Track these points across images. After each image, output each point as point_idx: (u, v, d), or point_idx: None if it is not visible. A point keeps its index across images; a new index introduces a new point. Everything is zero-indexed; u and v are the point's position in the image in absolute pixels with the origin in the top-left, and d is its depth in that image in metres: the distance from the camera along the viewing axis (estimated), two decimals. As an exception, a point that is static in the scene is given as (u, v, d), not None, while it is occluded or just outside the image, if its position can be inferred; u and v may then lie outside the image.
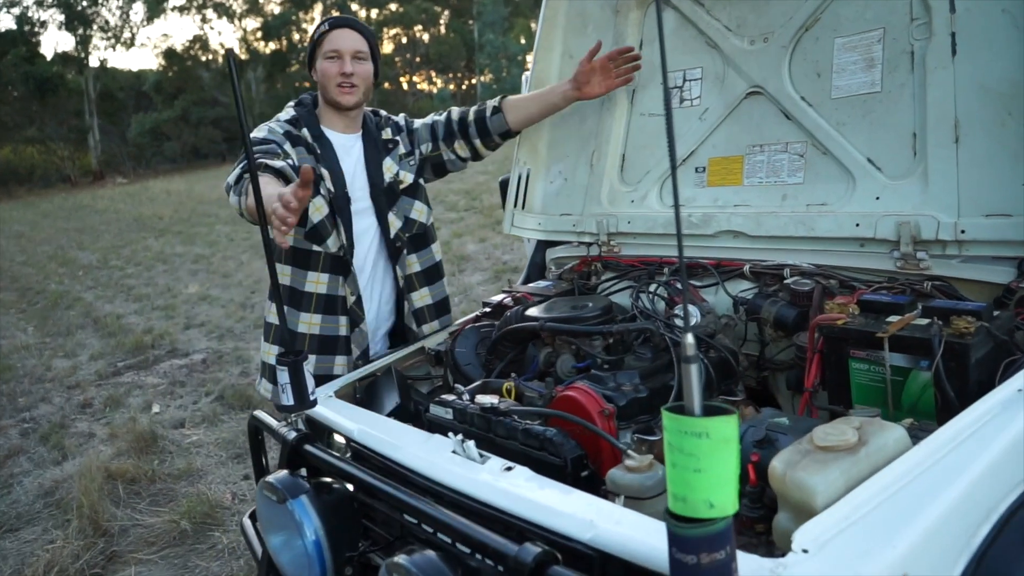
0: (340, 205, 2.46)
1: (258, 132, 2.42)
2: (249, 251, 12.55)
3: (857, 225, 1.96)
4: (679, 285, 2.23)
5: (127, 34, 54.46)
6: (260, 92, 56.92)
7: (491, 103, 2.66)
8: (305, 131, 2.48)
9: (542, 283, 2.66)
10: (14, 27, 49.09)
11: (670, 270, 2.33)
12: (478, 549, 1.40)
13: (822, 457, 1.32)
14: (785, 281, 2.05)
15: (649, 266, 2.43)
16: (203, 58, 60.85)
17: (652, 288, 2.26)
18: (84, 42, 51.77)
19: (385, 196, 2.58)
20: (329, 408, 2.12)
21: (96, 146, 50.76)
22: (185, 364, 6.55)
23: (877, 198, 1.97)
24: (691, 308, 2.10)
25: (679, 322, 2.08)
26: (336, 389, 2.27)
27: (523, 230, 2.77)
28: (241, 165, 2.25)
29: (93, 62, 52.91)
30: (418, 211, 2.66)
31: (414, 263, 2.67)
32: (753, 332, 2.13)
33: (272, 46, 59.75)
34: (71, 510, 3.94)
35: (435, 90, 62.36)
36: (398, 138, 2.67)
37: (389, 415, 2.16)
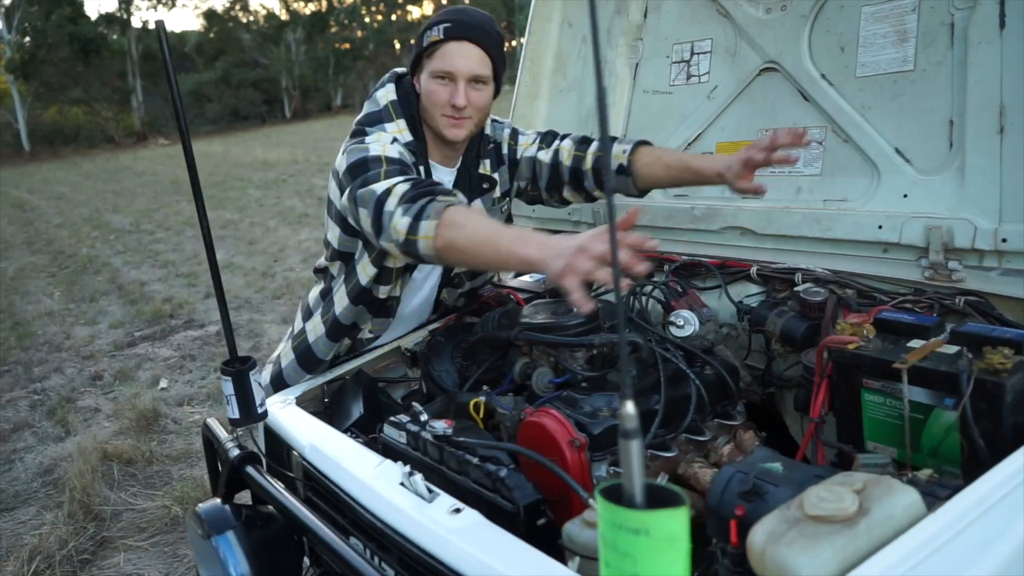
0: None
1: (387, 151, 1.85)
2: (277, 217, 12.48)
3: (880, 227, 1.69)
4: (678, 288, 1.98)
5: (169, -6, 54.56)
6: (300, 54, 56.91)
7: (620, 151, 2.01)
8: (421, 169, 1.98)
9: (534, 277, 2.43)
10: (59, -12, 49.46)
11: (670, 268, 2.08)
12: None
13: (812, 530, 1.08)
14: (796, 288, 1.79)
15: (649, 262, 2.18)
16: (243, 19, 60.93)
17: (648, 290, 2.01)
18: (127, 3, 52.04)
19: None
20: (286, 418, 1.94)
21: (139, 107, 51.36)
22: (200, 336, 6.46)
23: (905, 196, 1.70)
24: (688, 315, 1.85)
25: (675, 331, 1.84)
26: (299, 395, 2.08)
27: (518, 217, 2.53)
28: (412, 186, 1.72)
29: (135, 23, 53.27)
30: None
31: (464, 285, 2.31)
32: (759, 343, 1.89)
33: (312, 7, 59.56)
34: (65, 492, 3.85)
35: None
36: (496, 175, 2.15)
37: (352, 426, 1.97)
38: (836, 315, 1.68)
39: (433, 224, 1.61)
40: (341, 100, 57.14)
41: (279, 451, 1.93)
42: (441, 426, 1.56)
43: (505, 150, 2.16)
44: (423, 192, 1.68)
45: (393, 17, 64.91)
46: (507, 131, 2.18)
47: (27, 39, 47.60)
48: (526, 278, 2.40)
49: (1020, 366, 1.31)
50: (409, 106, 1.97)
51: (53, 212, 17.21)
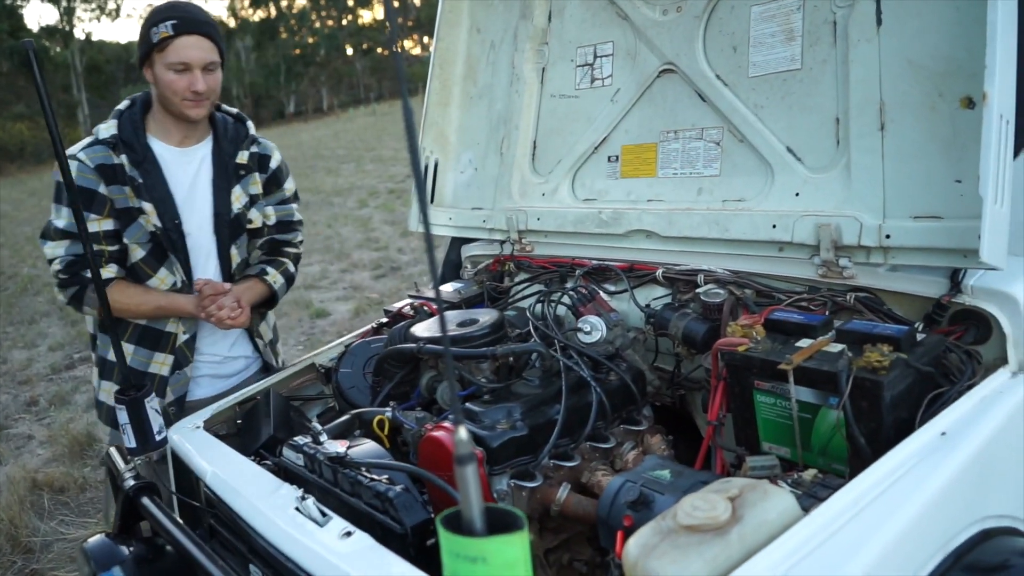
0: (172, 239, 2.19)
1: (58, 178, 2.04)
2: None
3: (774, 226, 1.70)
4: (586, 291, 1.96)
5: (112, 4, 53.51)
6: (250, 62, 56.20)
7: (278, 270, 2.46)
8: (124, 158, 2.13)
9: (453, 285, 2.40)
10: (-4, 1, 48.24)
11: (579, 273, 2.07)
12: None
13: (684, 541, 1.07)
14: (697, 290, 1.79)
15: (560, 268, 2.17)
16: (191, 28, 59.96)
17: (556, 296, 1.99)
18: (68, 14, 50.94)
19: (229, 228, 2.29)
20: (192, 444, 1.88)
21: (85, 120, 50.22)
22: (141, 355, 6.32)
23: (796, 194, 1.70)
24: (595, 321, 1.84)
25: (583, 336, 1.83)
26: (208, 418, 2.03)
27: (433, 226, 2.50)
28: (66, 262, 2.14)
29: (78, 35, 52.14)
30: (245, 249, 2.39)
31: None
32: (667, 345, 1.88)
33: (260, 14, 58.89)
34: (-8, 524, 3.73)
35: (427, 55, 61.49)
36: (257, 175, 2.37)
37: (262, 448, 1.92)
38: (736, 315, 1.69)
39: (90, 309, 2.19)
40: (294, 107, 56.52)
41: (187, 478, 1.88)
42: (336, 447, 1.52)
43: (272, 164, 2.41)
44: (74, 281, 2.13)
45: (344, 22, 64.41)
46: (277, 153, 2.44)
47: (-39, 54, 46.35)
48: (445, 287, 2.38)
49: (897, 363, 1.31)
50: (131, 108, 2.21)
51: (-5, 231, 16.73)
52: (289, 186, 2.47)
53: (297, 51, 59.65)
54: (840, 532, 1.12)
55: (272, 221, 2.42)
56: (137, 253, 2.16)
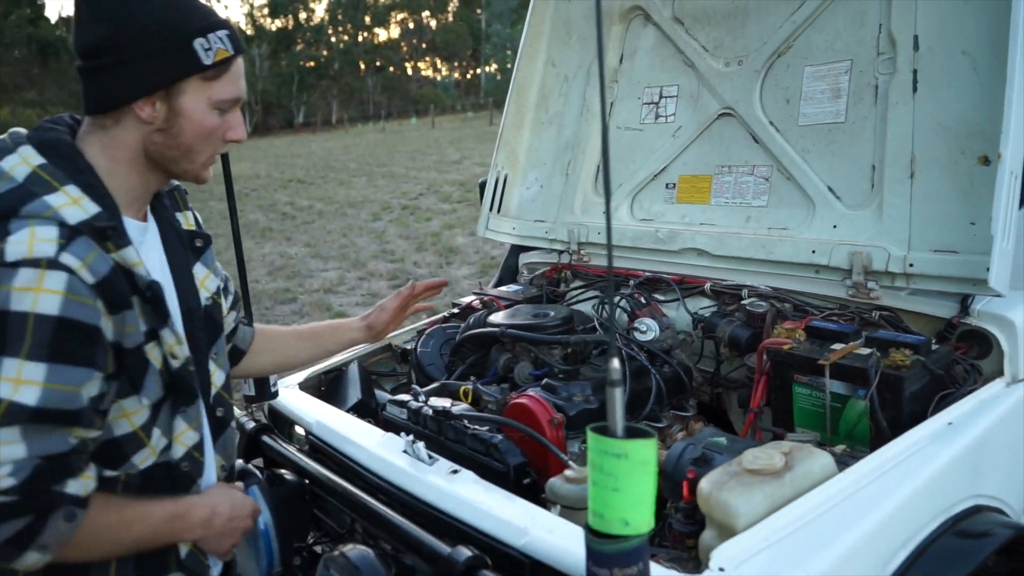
0: (190, 382, 1.32)
1: (37, 306, 1.08)
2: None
3: (813, 252, 2.01)
4: (642, 299, 2.27)
5: None
6: (264, 69, 56.83)
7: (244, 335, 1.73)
8: (129, 254, 1.20)
9: (512, 287, 2.71)
10: (19, -11, 48.84)
11: (635, 283, 2.38)
12: (413, 549, 1.45)
13: (748, 480, 1.37)
14: (742, 302, 2.10)
15: (616, 278, 2.48)
16: (208, 30, 60.68)
17: (616, 300, 2.30)
18: (89, 8, 51.52)
19: (204, 330, 1.42)
20: (292, 400, 2.17)
21: (95, 112, 50.61)
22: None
23: (834, 226, 2.02)
24: (650, 322, 2.15)
25: (639, 336, 2.14)
26: (301, 380, 2.32)
27: (497, 234, 2.81)
28: (31, 471, 1.08)
29: (97, 29, 52.68)
30: (227, 363, 1.52)
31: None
32: (710, 349, 2.19)
33: (278, 24, 59.63)
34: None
35: (439, 77, 62.34)
36: (207, 235, 1.51)
37: (350, 410, 2.21)
38: (775, 324, 1.99)
39: (51, 553, 1.13)
40: (303, 118, 57.13)
41: (281, 428, 2.17)
42: (441, 403, 1.82)
43: (199, 218, 1.54)
44: (35, 504, 1.09)
45: (360, 38, 65.23)
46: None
47: (-20, 38, 46.84)
48: (504, 288, 2.68)
49: (917, 364, 1.63)
50: (71, 162, 1.21)
51: None
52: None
53: (311, 63, 60.42)
54: (867, 487, 1.42)
55: (231, 323, 1.66)
56: (139, 417, 1.25)
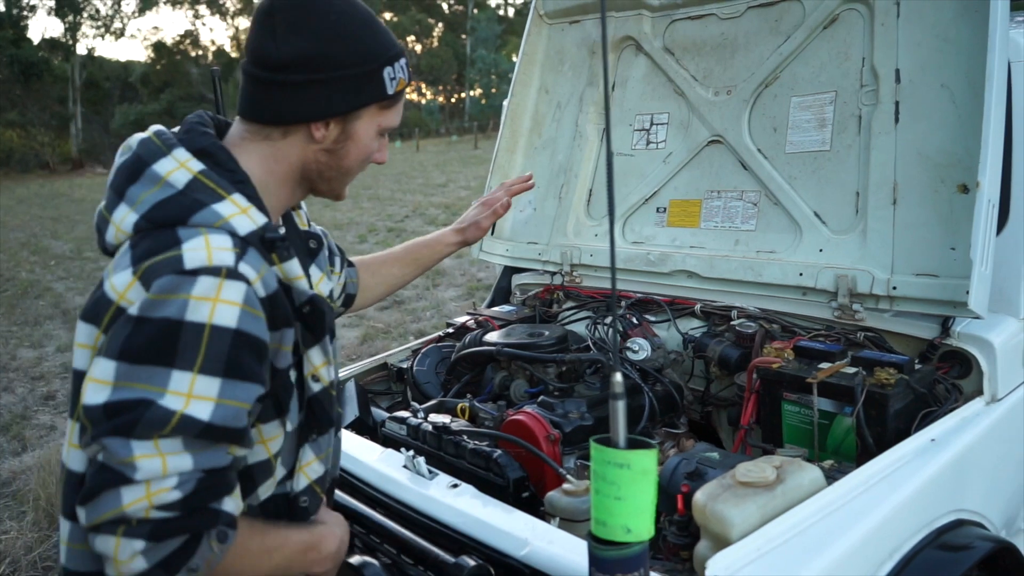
0: (330, 407, 1.31)
1: (215, 317, 1.05)
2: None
3: (800, 274, 2.08)
4: (634, 319, 2.33)
5: (117, 24, 54.20)
6: (248, 92, 56.85)
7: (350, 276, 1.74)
8: (293, 267, 1.20)
9: (505, 308, 2.76)
10: (2, 9, 48.72)
11: (627, 304, 2.44)
12: (418, 559, 1.49)
13: (741, 492, 1.42)
14: (732, 322, 2.17)
15: (607, 298, 2.54)
16: (192, 53, 60.79)
17: (607, 320, 2.36)
18: (73, 29, 51.46)
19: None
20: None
21: (77, 134, 50.39)
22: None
23: (820, 250, 2.10)
24: (642, 342, 2.21)
25: (631, 355, 2.19)
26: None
27: (490, 255, 2.87)
28: (194, 484, 1.05)
29: (80, 50, 52.65)
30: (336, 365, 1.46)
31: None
32: (700, 368, 2.24)
33: (263, 46, 59.74)
34: (27, 502, 3.95)
35: (424, 101, 62.70)
36: (319, 233, 1.52)
37: (348, 427, 2.24)
38: (764, 344, 2.05)
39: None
40: (287, 140, 57.04)
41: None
42: (441, 419, 1.86)
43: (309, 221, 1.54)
44: (191, 524, 1.04)
45: (344, 62, 65.39)
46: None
47: (-40, 58, 46.65)
48: (497, 309, 2.73)
49: (901, 382, 1.69)
50: (228, 170, 1.19)
51: (-14, 235, 16.85)
52: None
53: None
54: (854, 500, 1.48)
55: (343, 280, 1.70)
56: (275, 444, 1.22)
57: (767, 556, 1.32)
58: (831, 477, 1.57)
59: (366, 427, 2.23)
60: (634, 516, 1.10)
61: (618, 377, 1.14)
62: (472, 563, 1.38)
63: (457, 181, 20.36)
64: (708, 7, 2.39)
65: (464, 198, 16.80)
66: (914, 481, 1.54)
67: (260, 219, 1.16)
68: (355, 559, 1.49)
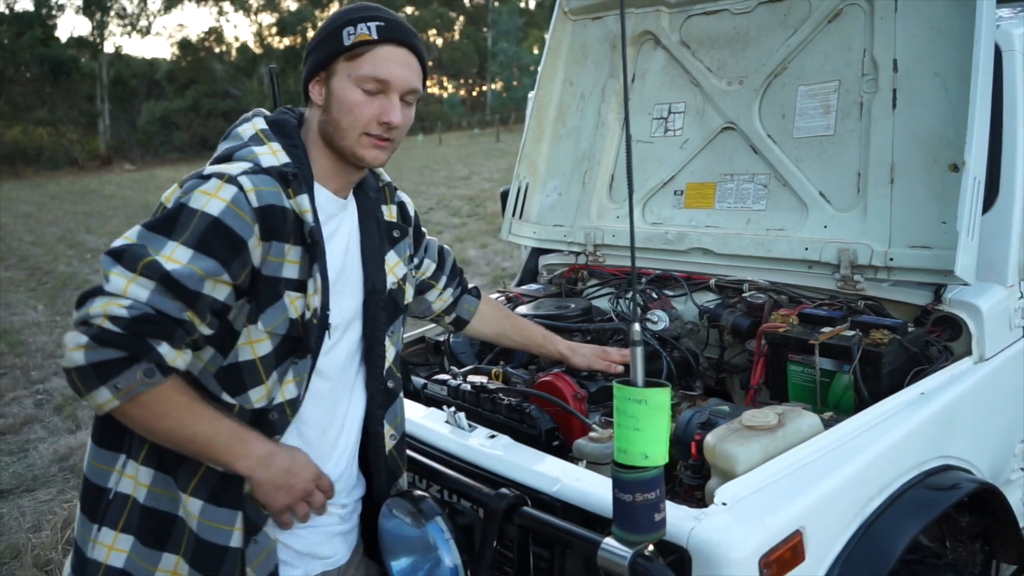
0: (310, 336, 1.47)
1: (206, 206, 1.33)
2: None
3: (806, 249, 2.27)
4: (653, 294, 2.53)
5: (143, 22, 54.93)
6: (271, 88, 57.46)
7: (471, 304, 2.08)
8: (303, 200, 1.43)
9: (533, 286, 2.96)
10: (32, 9, 49.55)
11: (647, 279, 2.63)
12: (463, 494, 1.70)
13: (747, 434, 1.62)
14: (743, 294, 2.35)
15: (628, 275, 2.73)
16: (217, 50, 61.41)
17: (629, 295, 2.56)
18: (100, 27, 52.26)
19: (386, 310, 1.66)
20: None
21: (105, 131, 51.21)
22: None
23: (825, 227, 2.28)
24: (661, 313, 2.41)
25: (651, 326, 2.39)
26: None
27: (519, 237, 3.07)
28: (140, 313, 1.26)
29: (108, 48, 53.41)
30: (401, 342, 1.80)
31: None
32: (714, 338, 2.43)
33: (286, 42, 60.27)
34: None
35: (445, 95, 62.94)
36: (407, 227, 1.78)
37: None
38: (772, 313, 2.24)
39: (117, 399, 1.26)
40: (310, 135, 57.60)
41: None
42: (479, 379, 2.07)
43: (411, 212, 1.84)
44: (130, 343, 1.25)
45: (366, 57, 65.74)
46: (407, 196, 1.86)
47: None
48: (529, 287, 2.94)
49: (894, 342, 1.88)
50: (286, 134, 1.50)
51: (23, 230, 17.29)
52: (422, 227, 1.95)
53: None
54: (848, 442, 1.66)
55: (448, 300, 2.02)
56: (261, 348, 1.42)
57: (768, 487, 1.51)
58: (829, 425, 1.76)
59: (408, 392, 2.44)
60: (651, 444, 1.30)
61: (636, 327, 1.34)
62: (511, 494, 1.58)
63: (480, 173, 20.58)
64: (722, 3, 2.57)
65: (487, 190, 16.99)
66: (903, 428, 1.73)
67: (283, 159, 1.44)
68: (413, 493, 1.69)
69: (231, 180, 1.36)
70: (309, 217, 1.42)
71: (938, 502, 1.71)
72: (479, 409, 2.04)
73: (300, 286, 1.44)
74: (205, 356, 1.41)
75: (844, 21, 2.29)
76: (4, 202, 25.18)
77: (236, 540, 1.43)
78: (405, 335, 2.13)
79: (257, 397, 1.44)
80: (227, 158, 1.44)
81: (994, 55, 1.99)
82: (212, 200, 1.34)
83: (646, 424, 1.31)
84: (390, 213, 1.71)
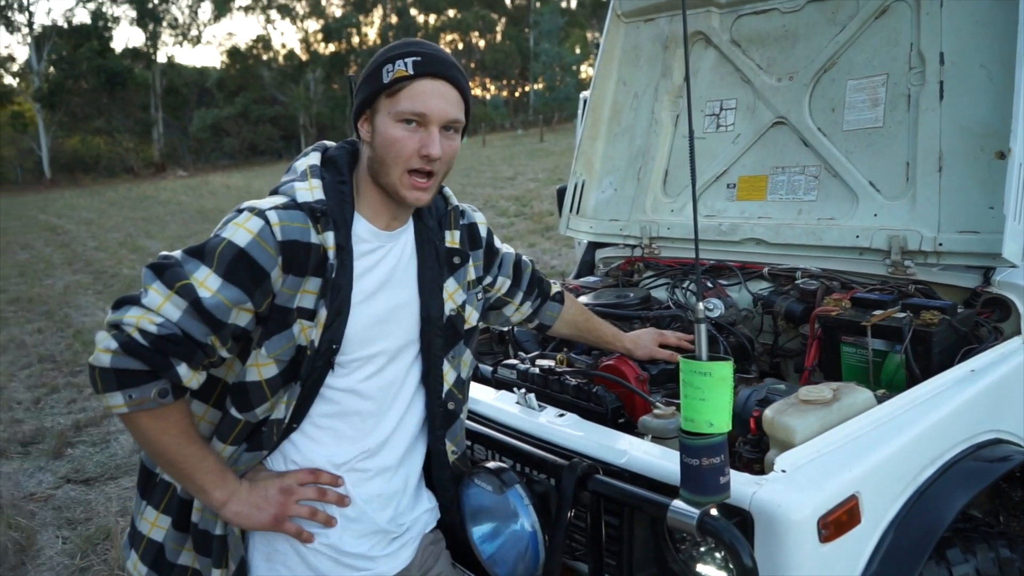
0: (303, 364, 1.52)
1: (234, 236, 1.43)
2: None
3: (857, 237, 2.37)
4: (708, 283, 2.64)
5: (194, 32, 56.27)
6: (318, 93, 58.37)
7: (555, 287, 2.15)
8: (328, 238, 1.49)
9: (591, 279, 3.09)
10: (88, 22, 51.07)
11: (702, 269, 2.75)
12: (538, 465, 1.84)
13: (804, 408, 1.73)
14: (796, 282, 2.46)
15: (683, 266, 2.85)
16: (264, 57, 62.56)
17: (685, 284, 2.68)
18: (153, 38, 53.67)
19: (443, 336, 1.72)
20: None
21: (159, 139, 52.60)
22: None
23: (875, 215, 2.38)
24: (716, 301, 2.52)
25: (708, 313, 2.50)
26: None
27: (577, 232, 3.21)
28: (168, 333, 1.36)
29: (160, 58, 54.79)
30: (467, 365, 1.83)
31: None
32: (768, 325, 2.54)
33: (332, 48, 61.15)
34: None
35: (488, 96, 63.27)
36: (470, 252, 1.80)
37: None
38: (825, 298, 2.34)
39: (127, 407, 1.37)
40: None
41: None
42: (547, 362, 2.22)
43: (483, 233, 1.86)
44: (152, 359, 1.35)
45: (410, 60, 66.33)
46: (480, 215, 1.88)
47: (51, 69, 49.08)
48: (587, 279, 3.07)
49: (944, 322, 1.97)
50: (337, 169, 1.60)
51: (86, 236, 17.95)
52: (498, 243, 1.96)
53: (364, 84, 61.72)
54: (899, 416, 1.76)
55: (527, 312, 2.10)
56: (267, 371, 1.51)
57: (825, 456, 1.63)
58: (881, 401, 1.86)
59: (475, 378, 2.59)
60: (715, 413, 1.43)
61: (700, 305, 1.47)
62: (584, 463, 1.72)
63: (525, 174, 20.74)
64: (771, 2, 2.68)
65: (532, 190, 17.15)
66: (954, 402, 1.82)
67: (318, 195, 1.52)
68: (492, 464, 1.84)
69: (260, 214, 1.45)
70: (331, 254, 1.49)
71: (988, 472, 1.80)
72: (547, 390, 2.18)
73: (312, 315, 1.51)
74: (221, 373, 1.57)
75: (891, 17, 2.39)
76: (66, 209, 26.13)
77: (219, 528, 1.58)
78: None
79: (263, 411, 1.54)
80: (275, 191, 1.55)
81: (1038, 46, 2.07)
82: (240, 231, 1.43)
83: (711, 394, 1.43)
84: (452, 239, 1.74)
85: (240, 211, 1.48)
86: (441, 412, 1.75)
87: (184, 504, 1.61)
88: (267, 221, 1.44)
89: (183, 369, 1.39)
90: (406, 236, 1.67)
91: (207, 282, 1.40)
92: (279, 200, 1.50)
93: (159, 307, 1.37)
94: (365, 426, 1.65)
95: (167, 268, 1.40)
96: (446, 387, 1.75)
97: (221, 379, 1.58)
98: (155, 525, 1.64)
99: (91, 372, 1.37)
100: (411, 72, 1.51)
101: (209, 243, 1.44)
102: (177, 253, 1.45)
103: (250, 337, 1.51)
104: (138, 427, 1.42)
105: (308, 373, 1.53)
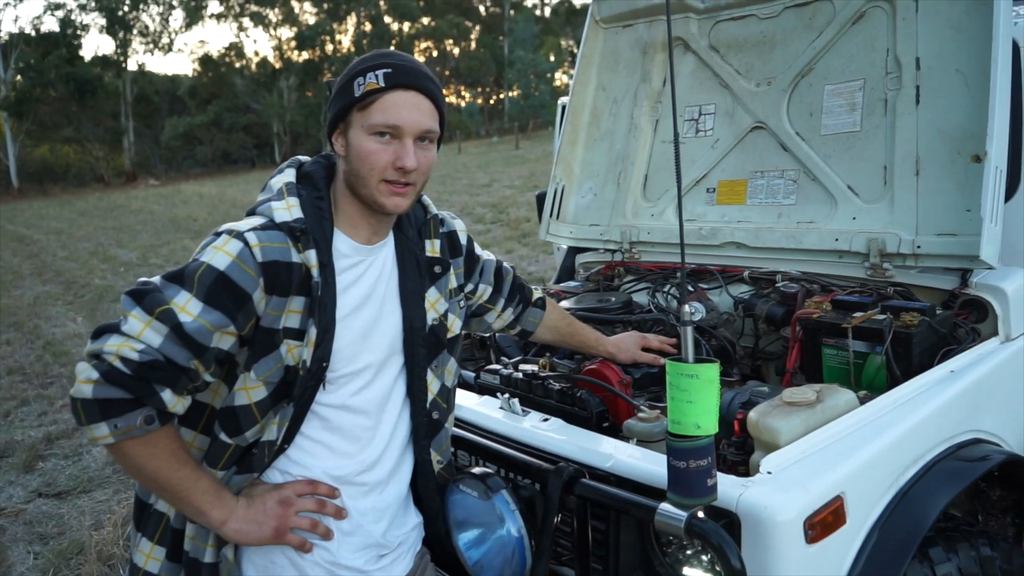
0: (295, 385, 1.51)
1: (213, 259, 1.42)
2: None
3: (836, 240, 2.39)
4: (690, 287, 2.65)
5: (165, 39, 55.77)
6: (291, 101, 58.07)
7: (536, 293, 2.15)
8: (310, 256, 1.48)
9: (571, 283, 3.09)
10: (57, 29, 50.43)
11: (683, 273, 2.76)
12: (523, 471, 1.83)
13: (787, 409, 1.73)
14: (776, 285, 2.47)
15: (664, 270, 2.86)
16: (237, 65, 62.14)
17: (666, 288, 2.69)
18: (123, 46, 53.10)
19: (426, 346, 1.70)
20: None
21: (130, 148, 51.99)
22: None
23: (854, 218, 2.40)
24: (697, 305, 2.53)
25: (687, 317, 2.51)
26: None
27: (557, 237, 3.20)
28: (150, 360, 1.34)
29: (131, 66, 54.21)
30: (451, 374, 1.82)
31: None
32: (749, 328, 2.55)
33: (305, 55, 60.87)
34: (140, 475, 4.39)
35: (463, 104, 63.33)
36: (451, 260, 1.80)
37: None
38: (805, 301, 2.36)
39: (113, 437, 1.34)
40: (331, 148, 58.11)
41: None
42: (530, 367, 2.21)
43: (463, 240, 1.85)
44: (135, 386, 1.33)
45: (384, 68, 66.24)
46: (460, 223, 1.87)
47: (19, 77, 48.39)
48: (568, 284, 3.07)
49: (923, 323, 1.99)
50: (314, 185, 1.59)
51: (56, 246, 17.69)
52: (479, 250, 1.95)
53: (337, 93, 61.48)
54: (882, 417, 1.78)
55: (509, 319, 2.09)
56: (256, 393, 1.49)
57: (809, 457, 1.63)
58: (863, 403, 1.88)
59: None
60: (702, 415, 1.43)
61: (686, 307, 1.47)
62: (570, 468, 1.71)
63: (501, 181, 20.77)
64: (749, 8, 2.70)
65: (509, 196, 17.16)
66: (935, 403, 1.84)
67: (296, 214, 1.50)
68: (477, 470, 1.83)
69: (238, 236, 1.44)
70: (315, 272, 1.48)
71: (969, 472, 1.82)
72: (531, 395, 2.17)
73: (300, 335, 1.50)
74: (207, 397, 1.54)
75: (867, 23, 2.41)
76: (35, 219, 25.74)
77: (209, 556, 1.55)
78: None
79: (253, 435, 1.52)
80: (252, 211, 1.54)
81: (1012, 51, 2.11)
82: (219, 254, 1.42)
83: (697, 396, 1.43)
84: (432, 248, 1.74)
85: (219, 234, 1.47)
86: (426, 422, 1.74)
87: (177, 534, 1.58)
88: (246, 243, 1.43)
89: (167, 395, 1.37)
90: (387, 249, 1.67)
91: (188, 307, 1.38)
92: (257, 221, 1.49)
93: (139, 334, 1.35)
94: (360, 440, 1.64)
95: (146, 294, 1.38)
96: (430, 397, 1.74)
97: (208, 405, 1.56)
98: (150, 557, 1.61)
99: (73, 404, 1.35)
100: (382, 84, 1.50)
101: (188, 267, 1.42)
102: (156, 279, 1.43)
103: (235, 361, 1.50)
104: (127, 456, 1.40)
105: (300, 393, 1.52)
